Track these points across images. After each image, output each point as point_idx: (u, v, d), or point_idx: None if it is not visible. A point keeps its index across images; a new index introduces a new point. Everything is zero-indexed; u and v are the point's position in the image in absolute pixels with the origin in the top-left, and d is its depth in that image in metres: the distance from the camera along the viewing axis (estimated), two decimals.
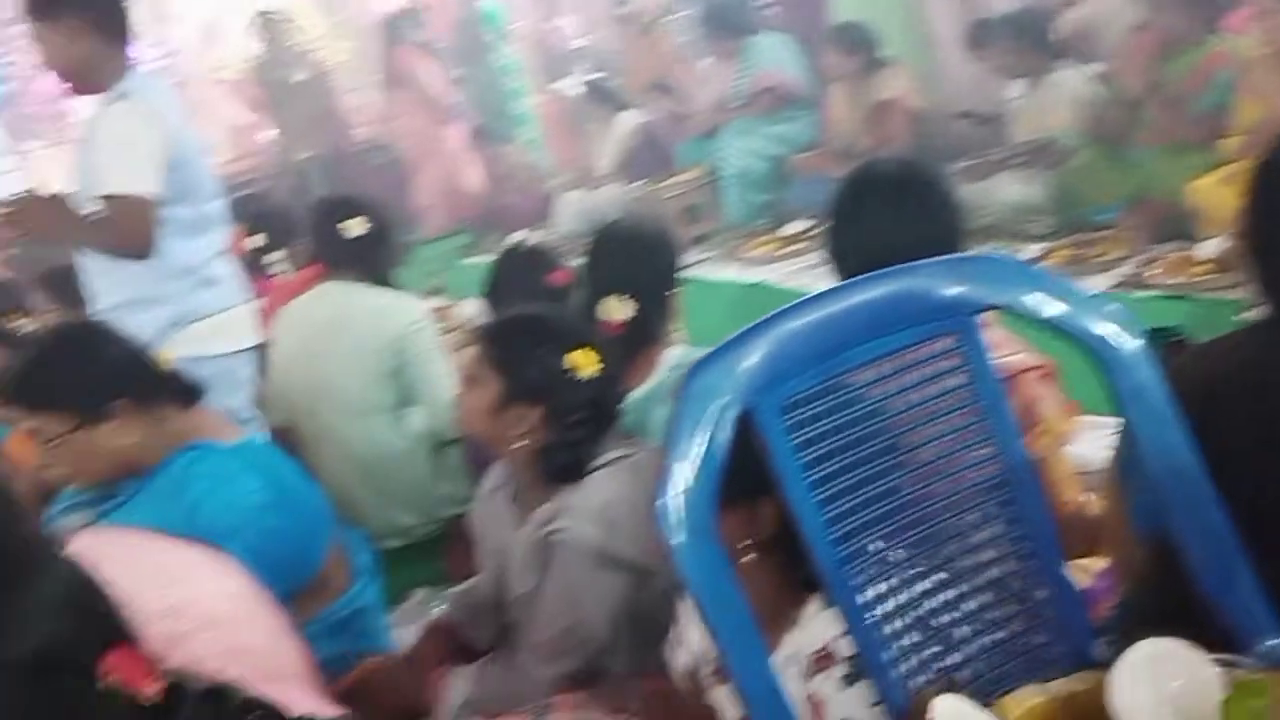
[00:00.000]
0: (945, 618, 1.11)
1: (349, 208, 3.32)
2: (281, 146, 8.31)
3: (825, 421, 1.09)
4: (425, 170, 7.97)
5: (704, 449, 1.04)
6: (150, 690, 1.16)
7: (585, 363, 1.98)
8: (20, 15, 8.41)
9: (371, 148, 8.72)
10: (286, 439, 3.21)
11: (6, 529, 1.74)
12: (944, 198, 2.01)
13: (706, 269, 5.56)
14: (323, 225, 3.35)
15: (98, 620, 1.21)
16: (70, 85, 2.90)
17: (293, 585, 2.24)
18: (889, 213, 1.92)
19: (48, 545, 1.33)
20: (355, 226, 3.24)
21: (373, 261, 3.30)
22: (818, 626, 1.27)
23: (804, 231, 5.32)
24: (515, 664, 2.01)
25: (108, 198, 2.66)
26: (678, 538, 1.02)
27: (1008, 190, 4.54)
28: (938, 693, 0.98)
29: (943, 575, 1.13)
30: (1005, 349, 1.75)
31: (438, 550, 3.13)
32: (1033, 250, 4.11)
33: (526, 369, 1.98)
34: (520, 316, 2.17)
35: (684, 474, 1.03)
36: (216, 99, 10.46)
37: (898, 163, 2.19)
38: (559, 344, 1.99)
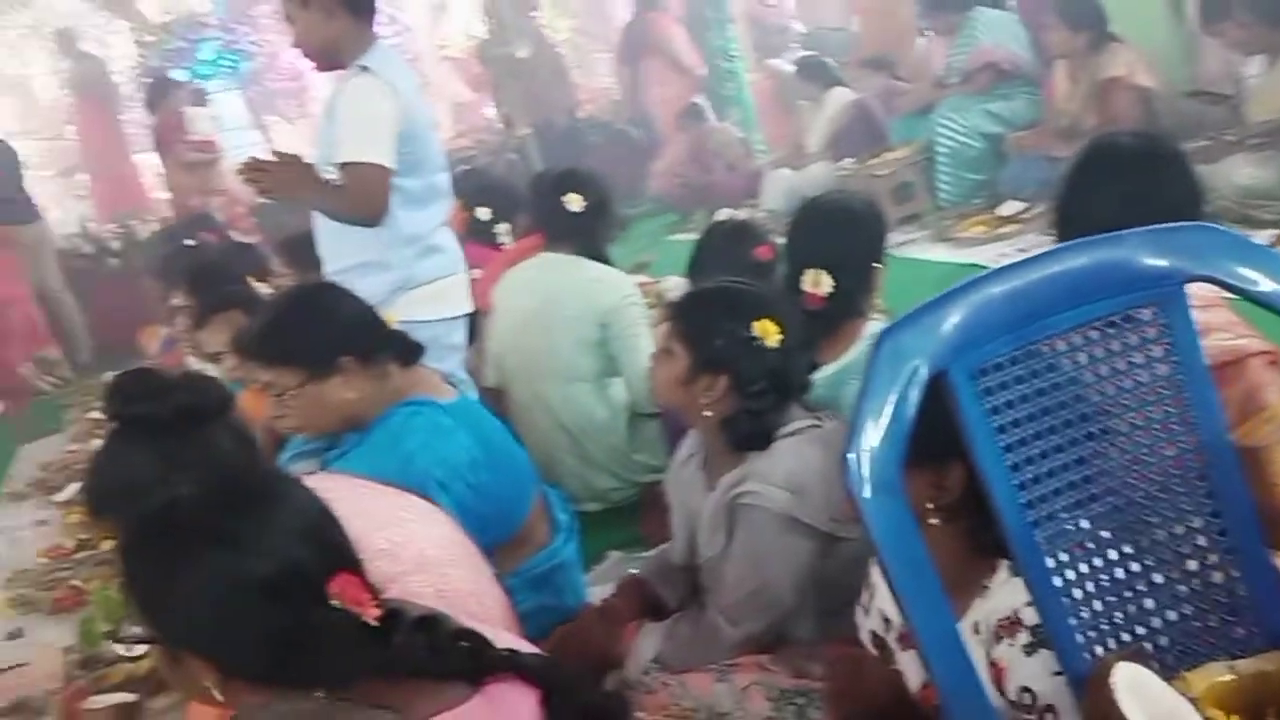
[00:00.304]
0: (1132, 590, 1.09)
1: (571, 182, 3.46)
2: (503, 122, 8.59)
3: (1019, 388, 1.09)
4: (674, 140, 8.10)
5: (894, 408, 1.05)
6: (372, 613, 1.26)
7: (769, 332, 2.01)
8: None
9: (591, 123, 8.93)
10: (496, 401, 3.38)
11: (249, 462, 1.91)
12: (1182, 174, 1.95)
13: (916, 248, 5.48)
14: (545, 198, 3.51)
15: (329, 547, 1.31)
16: (317, 63, 3.03)
17: (497, 538, 2.36)
18: (1122, 187, 1.88)
19: (286, 479, 1.45)
20: (575, 201, 3.39)
21: (590, 235, 3.44)
22: (1006, 593, 1.26)
23: (1020, 212, 5.17)
24: (703, 623, 2.06)
25: (345, 165, 2.79)
26: (864, 493, 1.04)
27: (1240, 173, 4.30)
28: (1120, 660, 0.97)
29: (1131, 548, 1.11)
30: (1231, 332, 1.69)
31: (634, 515, 3.23)
32: (1262, 237, 3.89)
33: (712, 339, 2.03)
34: (707, 289, 2.22)
35: (873, 431, 1.04)
36: (442, 75, 10.93)
37: (1135, 135, 2.13)
38: (743, 314, 2.03)
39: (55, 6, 10.81)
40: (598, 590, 2.60)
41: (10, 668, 3.24)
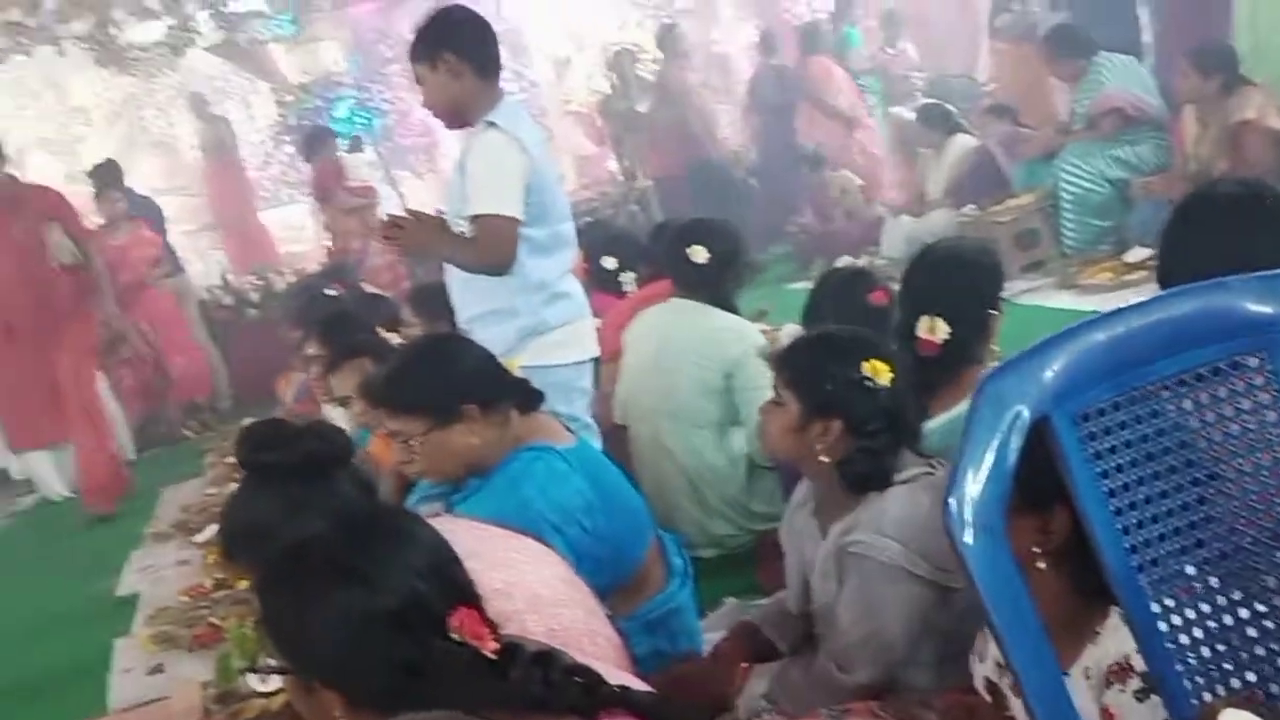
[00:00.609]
0: (1241, 635, 1.08)
1: (696, 233, 3.54)
2: (624, 174, 8.76)
3: (1122, 433, 1.09)
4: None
5: (995, 453, 1.06)
6: (490, 646, 1.31)
7: (880, 371, 2.02)
8: (401, 58, 9.28)
9: (710, 174, 9.03)
10: (622, 438, 3.45)
11: (375, 502, 2.00)
12: None
13: (1041, 296, 5.41)
14: (673, 248, 3.58)
15: (450, 583, 1.38)
16: (446, 121, 3.16)
17: (612, 581, 2.41)
18: (1221, 236, 1.86)
19: (411, 518, 1.53)
20: (700, 253, 3.47)
21: (716, 285, 3.51)
22: (1116, 639, 1.26)
23: (1147, 259, 5.06)
24: (815, 669, 2.07)
25: (476, 218, 2.91)
26: (965, 537, 1.06)
27: None
28: (1228, 705, 0.96)
29: (1240, 594, 1.10)
30: None
31: (750, 563, 3.24)
32: None
33: (822, 384, 2.05)
34: (811, 336, 2.25)
35: (974, 476, 1.06)
36: (566, 129, 11.17)
37: (1237, 184, 2.11)
38: (852, 356, 2.05)
39: (201, 69, 11.40)
40: (713, 636, 2.61)
41: (151, 701, 3.38)
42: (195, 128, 10.33)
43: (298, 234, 11.49)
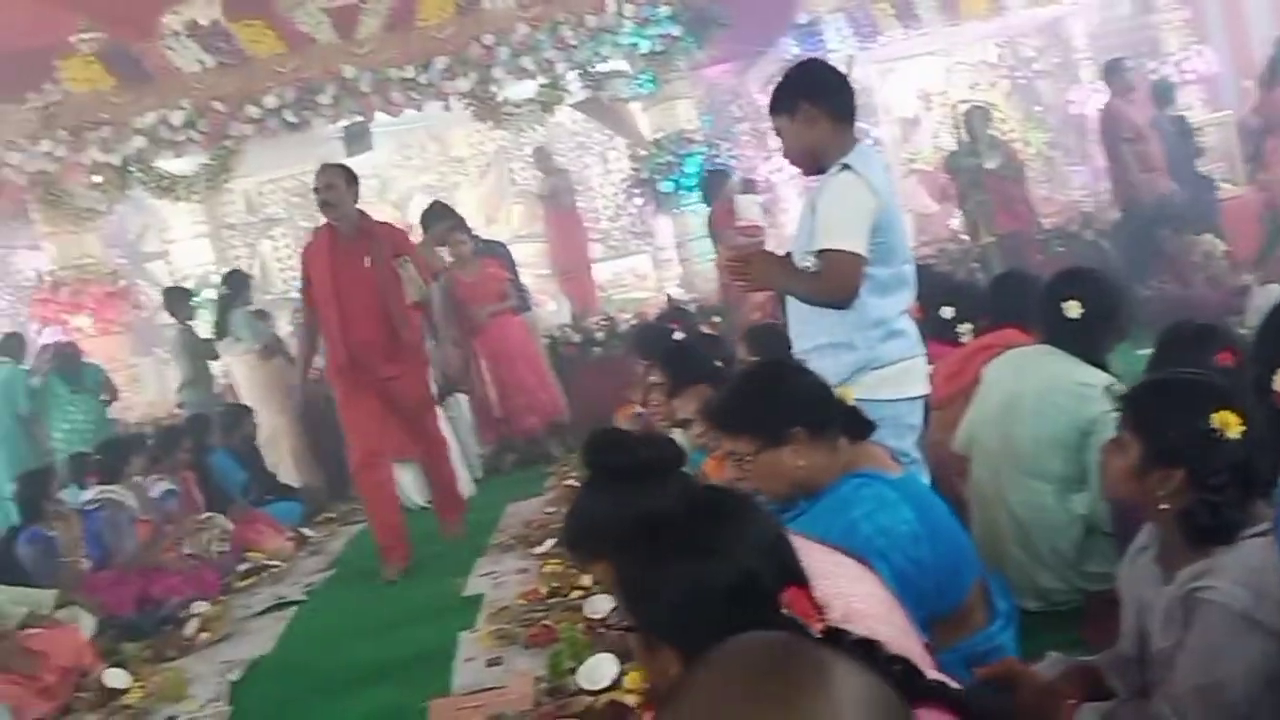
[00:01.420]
0: None
1: (1074, 284, 3.44)
2: (968, 231, 8.64)
3: None
4: None
5: None
6: (817, 626, 1.40)
7: (1230, 423, 1.95)
8: (750, 117, 9.61)
9: (1057, 234, 8.79)
10: (947, 482, 3.43)
11: (721, 487, 2.15)
12: None
13: None
14: (1047, 298, 3.49)
15: (783, 563, 1.49)
16: (802, 168, 3.31)
17: (933, 613, 2.43)
18: None
19: (752, 502, 1.65)
20: (1073, 308, 3.36)
21: (1090, 338, 3.40)
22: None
23: None
24: (1145, 713, 2.01)
25: (823, 253, 3.04)
26: None
27: None
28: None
29: None
30: None
31: (1077, 619, 3.14)
32: None
33: (1166, 432, 2.00)
34: (1161, 379, 2.19)
35: None
36: (910, 187, 11.16)
37: None
38: (1200, 406, 1.99)
39: (566, 125, 12.22)
40: None
41: (489, 689, 3.68)
42: (539, 179, 11.05)
43: (641, 281, 12.06)
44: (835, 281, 3.02)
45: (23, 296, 12.54)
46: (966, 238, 8.76)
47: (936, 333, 4.32)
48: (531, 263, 10.90)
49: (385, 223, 6.07)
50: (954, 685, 1.47)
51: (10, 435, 8.33)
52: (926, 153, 11.77)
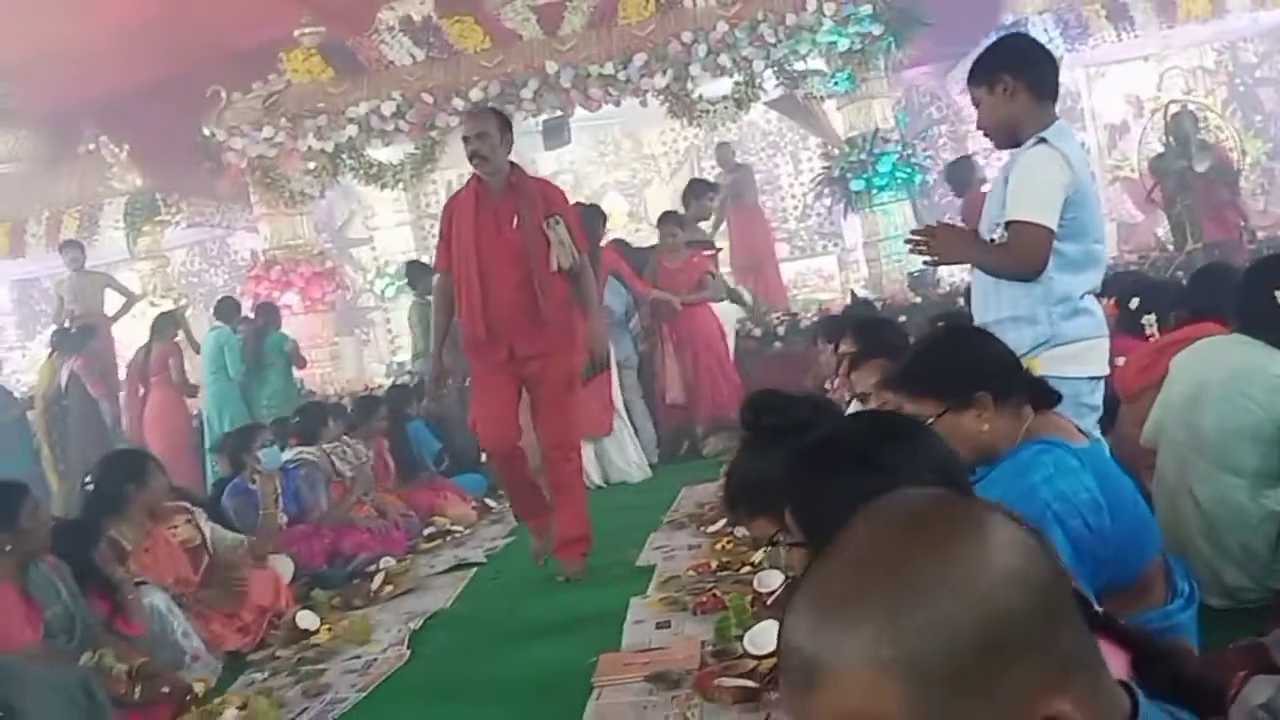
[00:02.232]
0: None
1: None
2: (1174, 234, 8.29)
3: None
4: None
5: None
6: None
7: None
8: (949, 119, 9.42)
9: (1270, 244, 8.35)
10: (1140, 464, 3.33)
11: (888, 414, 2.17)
12: None
13: None
14: (1247, 285, 3.35)
15: (956, 483, 1.51)
16: (995, 141, 3.28)
17: (1109, 583, 2.38)
18: None
19: (923, 425, 1.67)
20: None
21: None
22: None
23: None
24: None
25: (1012, 224, 3.01)
26: None
27: None
28: None
29: None
30: None
31: (1264, 619, 2.99)
32: None
33: None
34: None
35: None
36: (1114, 195, 10.79)
37: None
38: None
39: (759, 123, 12.26)
40: None
41: (658, 648, 3.76)
42: (720, 176, 11.13)
43: (826, 282, 11.99)
44: (1023, 253, 2.98)
45: (237, 275, 13.36)
46: (1171, 247, 8.41)
47: (1126, 327, 4.20)
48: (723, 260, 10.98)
49: (541, 179, 5.46)
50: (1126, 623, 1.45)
51: (224, 395, 8.88)
52: (1134, 160, 11.33)
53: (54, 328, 9.79)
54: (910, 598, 0.86)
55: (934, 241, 3.21)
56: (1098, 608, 1.42)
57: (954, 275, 8.59)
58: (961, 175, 8.44)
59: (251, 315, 9.47)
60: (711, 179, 10.38)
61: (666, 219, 8.32)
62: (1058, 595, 0.92)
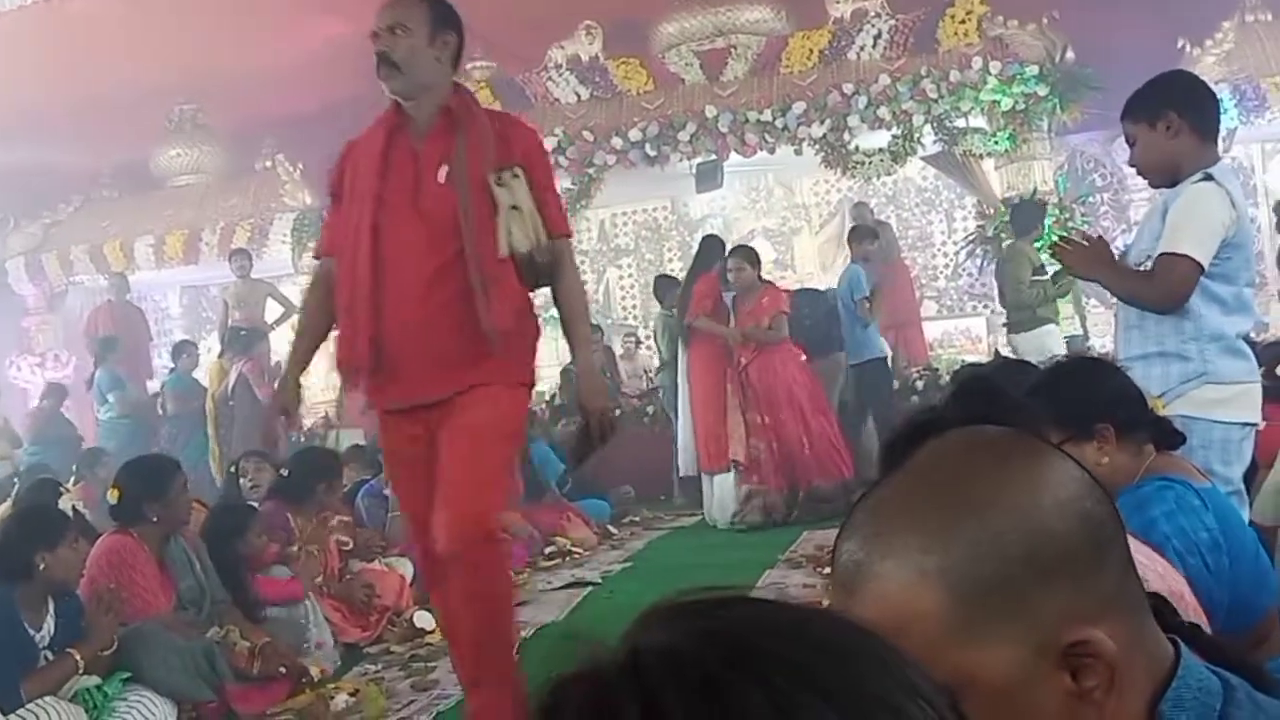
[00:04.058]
0: None
1: None
2: None
3: None
4: None
5: None
6: None
7: None
8: (1111, 188, 9.18)
9: None
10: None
11: None
12: None
13: None
14: None
15: None
16: (1151, 179, 3.20)
17: (1225, 626, 2.29)
18: None
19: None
20: None
21: None
22: None
23: None
24: None
25: (1162, 255, 2.93)
26: None
27: None
28: None
29: None
30: None
31: None
32: None
33: None
34: None
35: None
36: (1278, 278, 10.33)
37: None
38: None
39: (914, 179, 12.15)
40: None
41: None
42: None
43: (974, 345, 11.77)
44: (1166, 285, 2.92)
45: None
46: None
47: (1272, 395, 4.02)
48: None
49: (500, 113, 3.50)
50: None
51: None
52: None
53: (220, 331, 10.30)
54: (963, 512, 0.89)
55: (1070, 252, 3.16)
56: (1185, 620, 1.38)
57: (1105, 343, 8.34)
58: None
59: None
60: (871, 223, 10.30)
61: (736, 253, 7.69)
62: (1109, 533, 0.94)
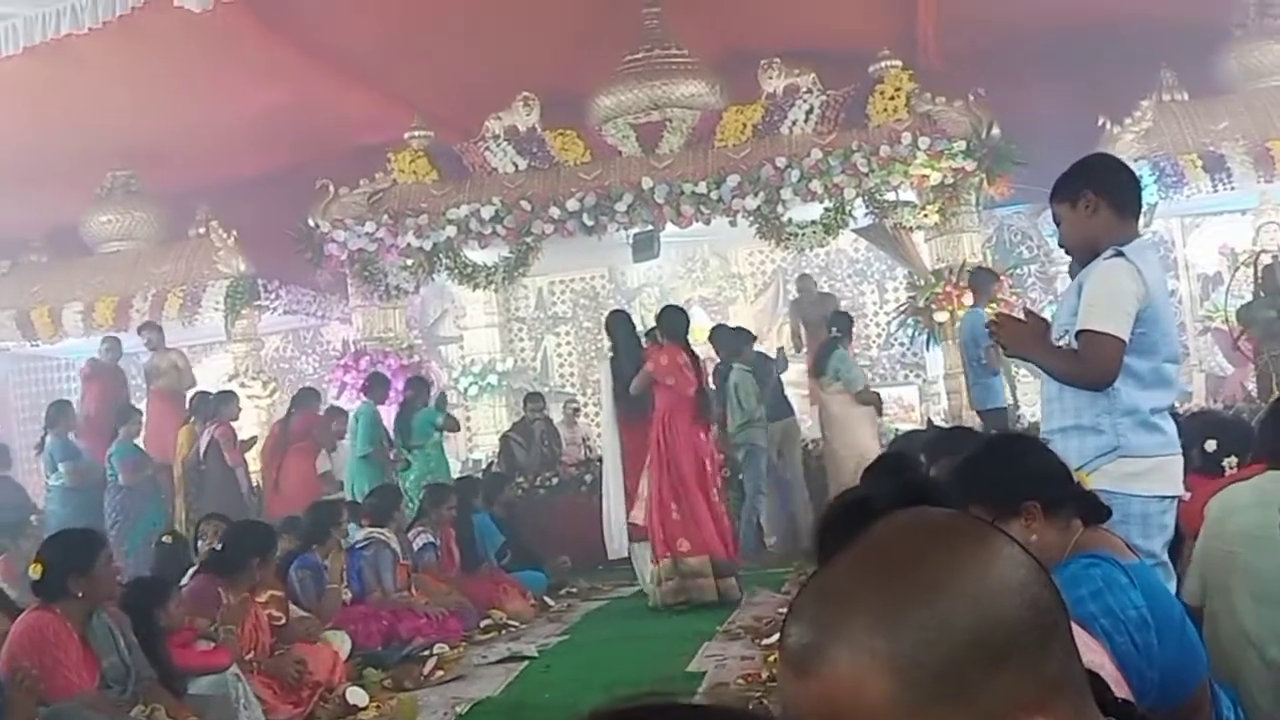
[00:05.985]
0: None
1: None
2: (1260, 387, 8.15)
3: None
4: None
5: None
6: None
7: None
8: (1038, 259, 9.40)
9: None
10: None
11: None
12: None
13: None
14: (1274, 422, 3.37)
15: None
16: (1076, 256, 3.30)
17: (1151, 704, 2.32)
18: None
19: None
20: None
21: None
22: None
23: None
24: None
25: (1081, 333, 3.01)
26: None
27: None
28: None
29: None
30: None
31: None
32: None
33: None
34: None
35: None
36: (1204, 348, 10.63)
37: None
38: None
39: (846, 250, 12.31)
40: None
41: None
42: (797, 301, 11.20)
43: (907, 414, 11.91)
44: (1094, 364, 2.99)
45: (327, 364, 13.64)
46: (1257, 399, 8.26)
47: (1199, 468, 4.12)
48: (799, 381, 10.97)
49: None
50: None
51: (357, 469, 8.90)
52: (1226, 311, 11.19)
53: (191, 393, 10.08)
54: (910, 594, 0.89)
55: (1004, 330, 3.24)
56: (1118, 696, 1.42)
57: (1034, 413, 8.50)
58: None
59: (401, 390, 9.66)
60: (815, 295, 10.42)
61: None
62: (1054, 618, 0.94)
